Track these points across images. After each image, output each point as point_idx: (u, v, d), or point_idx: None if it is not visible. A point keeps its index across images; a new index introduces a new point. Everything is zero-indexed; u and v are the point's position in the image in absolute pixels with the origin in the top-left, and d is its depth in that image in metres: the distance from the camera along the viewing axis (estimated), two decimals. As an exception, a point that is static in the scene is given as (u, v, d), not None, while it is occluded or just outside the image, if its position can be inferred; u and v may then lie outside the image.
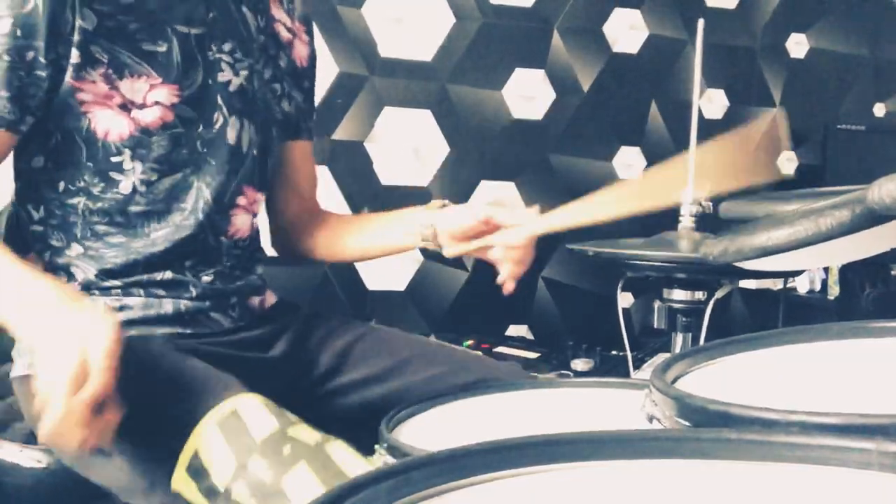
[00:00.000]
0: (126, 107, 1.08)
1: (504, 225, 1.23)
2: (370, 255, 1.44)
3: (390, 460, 0.93)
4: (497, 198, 2.68)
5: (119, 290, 1.12)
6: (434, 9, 2.65)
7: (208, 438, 0.92)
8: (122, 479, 1.01)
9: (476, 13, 2.69)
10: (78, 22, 1.04)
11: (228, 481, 0.90)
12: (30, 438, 1.14)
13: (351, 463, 0.91)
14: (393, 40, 2.62)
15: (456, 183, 2.67)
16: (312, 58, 1.38)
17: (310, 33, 1.37)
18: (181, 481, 0.93)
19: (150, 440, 0.96)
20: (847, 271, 2.62)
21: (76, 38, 1.04)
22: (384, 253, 1.39)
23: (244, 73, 1.18)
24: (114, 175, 1.10)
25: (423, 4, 2.64)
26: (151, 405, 0.98)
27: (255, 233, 1.27)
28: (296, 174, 1.39)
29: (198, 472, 0.92)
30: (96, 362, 0.84)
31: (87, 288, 1.12)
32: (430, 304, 2.68)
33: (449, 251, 1.27)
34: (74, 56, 1.04)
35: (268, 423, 0.93)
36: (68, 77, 1.05)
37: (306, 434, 0.93)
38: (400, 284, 2.66)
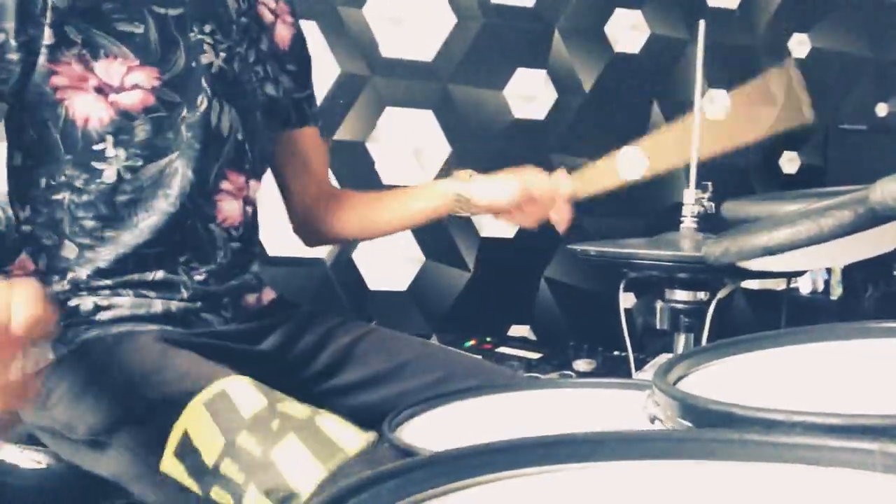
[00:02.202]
0: (103, 90, 1.06)
1: (542, 195, 1.32)
2: (398, 230, 1.48)
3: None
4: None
5: (108, 290, 1.11)
6: (435, 9, 2.65)
7: (196, 419, 0.92)
8: (121, 468, 1.01)
9: (477, 13, 2.69)
10: (50, 1, 1.02)
11: (217, 458, 0.89)
12: (30, 439, 1.14)
13: (341, 433, 0.91)
14: (394, 40, 2.62)
15: (457, 183, 2.67)
16: (297, 39, 1.34)
17: (293, 14, 1.34)
18: (170, 463, 0.92)
19: (141, 425, 0.96)
20: (850, 272, 2.61)
21: (49, 17, 1.02)
22: (413, 225, 1.52)
23: (224, 54, 1.16)
24: (96, 164, 1.08)
25: (424, 4, 2.64)
26: (141, 393, 0.98)
27: (249, 224, 1.25)
28: (310, 161, 1.39)
29: (186, 452, 0.92)
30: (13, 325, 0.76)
31: (76, 287, 1.11)
32: (431, 305, 2.68)
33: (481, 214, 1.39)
34: (48, 36, 1.03)
35: (256, 400, 0.93)
36: (42, 59, 1.03)
37: (295, 409, 0.93)
38: (401, 284, 2.65)
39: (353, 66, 2.58)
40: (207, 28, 1.14)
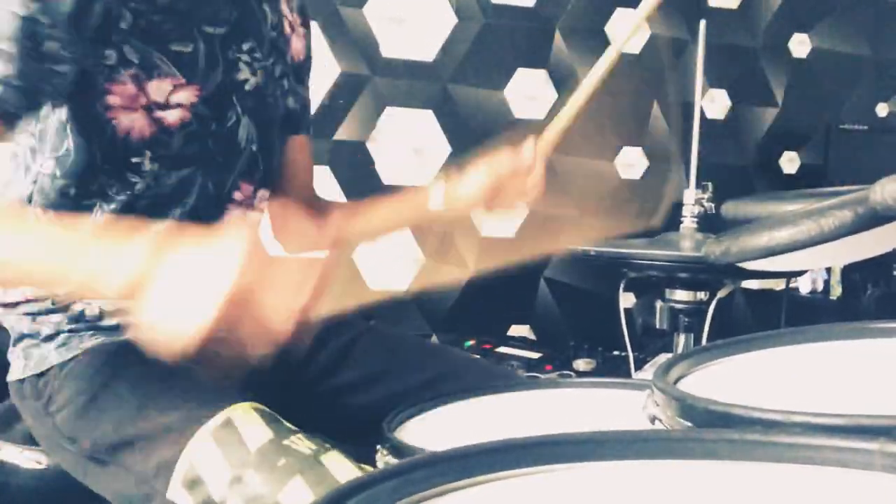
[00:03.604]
0: (150, 108, 1.06)
1: (511, 174, 1.32)
2: (381, 237, 1.49)
3: (392, 460, 0.93)
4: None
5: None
6: (436, 9, 2.65)
7: (203, 449, 0.92)
8: (121, 489, 1.01)
9: (478, 13, 2.69)
10: (114, 21, 1.01)
11: (224, 494, 0.90)
12: (30, 439, 1.14)
13: (347, 474, 0.91)
14: (394, 40, 2.62)
15: (458, 183, 2.67)
16: (308, 49, 1.34)
17: (305, 25, 1.34)
18: (178, 493, 0.92)
19: (147, 451, 0.96)
20: (849, 271, 2.62)
21: (113, 37, 1.02)
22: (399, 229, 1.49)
23: (260, 72, 1.17)
24: (130, 177, 1.08)
25: (424, 4, 2.64)
26: (148, 415, 0.97)
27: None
28: (299, 169, 1.38)
29: (194, 483, 0.92)
30: None
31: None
32: (431, 304, 2.68)
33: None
34: (110, 57, 1.02)
35: (262, 433, 0.93)
36: (101, 78, 1.02)
37: (301, 444, 0.93)
38: (401, 284, 2.66)
39: (353, 66, 2.58)
40: (246, 46, 1.14)
